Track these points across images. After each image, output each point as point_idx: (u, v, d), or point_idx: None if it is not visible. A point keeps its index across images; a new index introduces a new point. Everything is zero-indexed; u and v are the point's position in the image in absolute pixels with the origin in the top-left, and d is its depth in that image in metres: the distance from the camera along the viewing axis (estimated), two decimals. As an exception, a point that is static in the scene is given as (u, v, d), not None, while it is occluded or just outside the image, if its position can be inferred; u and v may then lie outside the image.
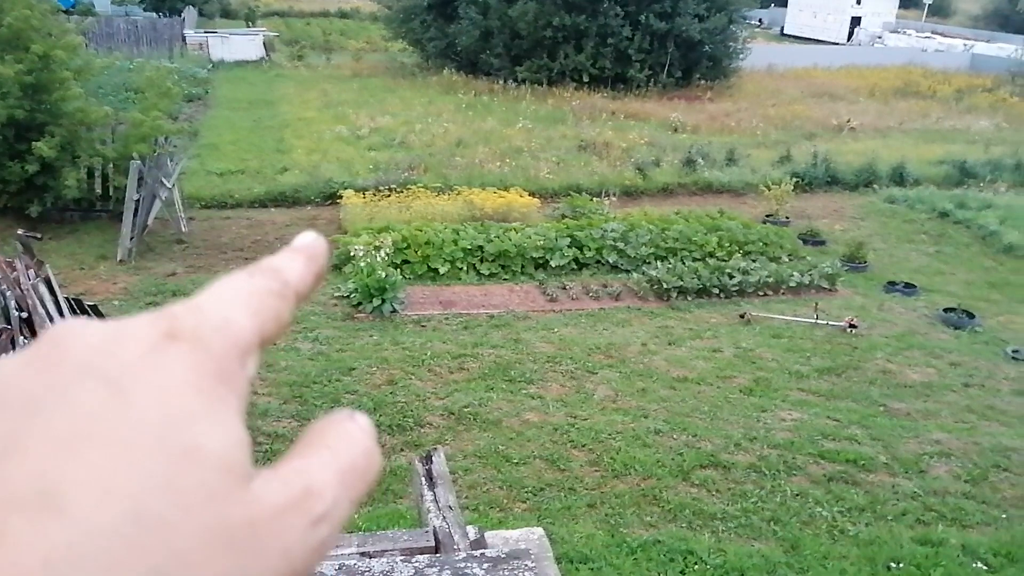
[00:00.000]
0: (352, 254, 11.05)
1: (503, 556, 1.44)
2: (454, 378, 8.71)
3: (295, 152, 18.29)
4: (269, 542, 0.30)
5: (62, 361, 0.31)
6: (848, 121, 24.12)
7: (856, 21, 56.85)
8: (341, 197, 14.28)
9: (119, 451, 0.28)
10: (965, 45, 43.24)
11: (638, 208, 15.10)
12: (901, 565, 5.94)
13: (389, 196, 13.97)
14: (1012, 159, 19.31)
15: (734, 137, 21.63)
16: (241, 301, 0.35)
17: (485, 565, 1.42)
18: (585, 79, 27.89)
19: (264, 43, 32.52)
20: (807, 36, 56.46)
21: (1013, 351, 10.16)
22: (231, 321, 0.34)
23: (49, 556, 0.25)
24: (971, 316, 11.14)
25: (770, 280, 11.75)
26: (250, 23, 40.85)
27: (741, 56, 30.75)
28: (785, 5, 62.26)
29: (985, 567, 5.98)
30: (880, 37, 51.78)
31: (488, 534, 1.54)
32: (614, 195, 15.68)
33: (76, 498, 0.27)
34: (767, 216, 15.11)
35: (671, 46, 28.35)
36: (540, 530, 1.57)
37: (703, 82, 29.24)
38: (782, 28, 61.16)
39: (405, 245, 11.72)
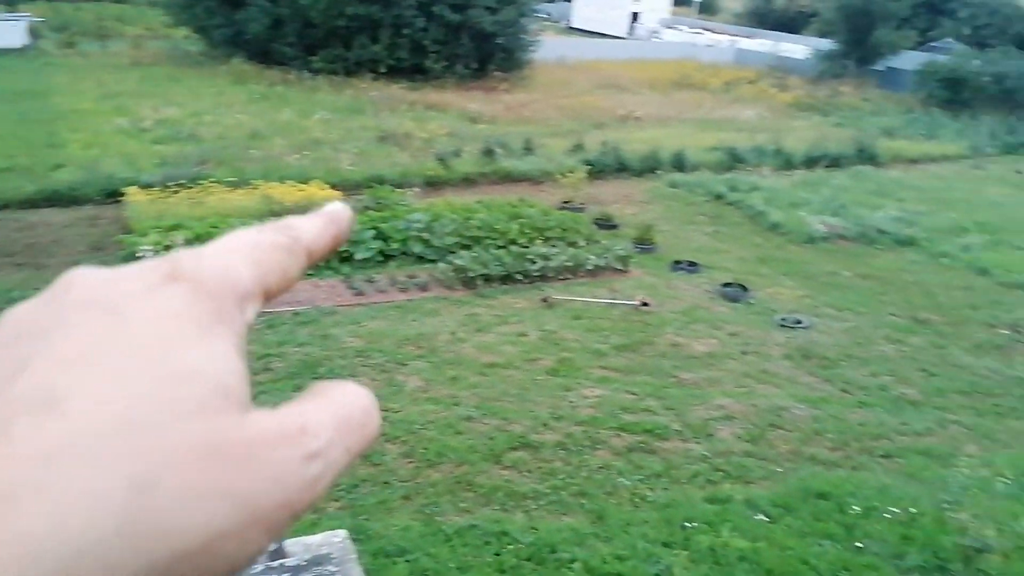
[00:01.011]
0: (140, 255, 10.31)
1: (304, 564, 1.39)
2: (259, 379, 8.36)
3: (70, 147, 16.78)
4: (261, 466, 0.31)
5: (69, 296, 0.33)
6: (633, 111, 25.48)
7: (635, 16, 60.08)
8: (125, 194, 13.27)
9: (115, 366, 0.30)
10: (730, 41, 46.90)
11: (441, 198, 15.16)
12: (695, 524, 6.38)
13: (179, 192, 13.15)
14: (773, 145, 21.18)
15: (530, 127, 22.22)
16: (244, 251, 0.37)
17: (285, 575, 1.36)
18: (383, 69, 27.61)
19: (28, 29, 29.53)
20: (592, 30, 58.93)
21: (781, 319, 11.17)
22: (231, 267, 0.35)
23: (49, 449, 0.27)
24: (745, 289, 12.12)
25: (569, 264, 12.19)
26: (11, 7, 36.92)
27: (532, 48, 31.62)
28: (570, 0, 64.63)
29: (766, 518, 6.55)
30: (657, 32, 55.08)
31: (288, 542, 1.48)
32: (417, 186, 15.66)
33: (73, 403, 0.29)
34: (564, 203, 15.66)
35: (465, 37, 28.65)
36: (343, 532, 1.53)
37: (498, 73, 29.80)
38: (569, 22, 63.48)
39: (199, 243, 11.08)
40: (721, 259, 13.79)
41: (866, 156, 21.66)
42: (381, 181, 15.61)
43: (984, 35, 44.28)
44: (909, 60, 34.76)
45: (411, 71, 27.99)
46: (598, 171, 18.09)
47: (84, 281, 0.34)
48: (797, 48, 40.79)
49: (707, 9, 72.40)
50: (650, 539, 6.17)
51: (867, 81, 33.95)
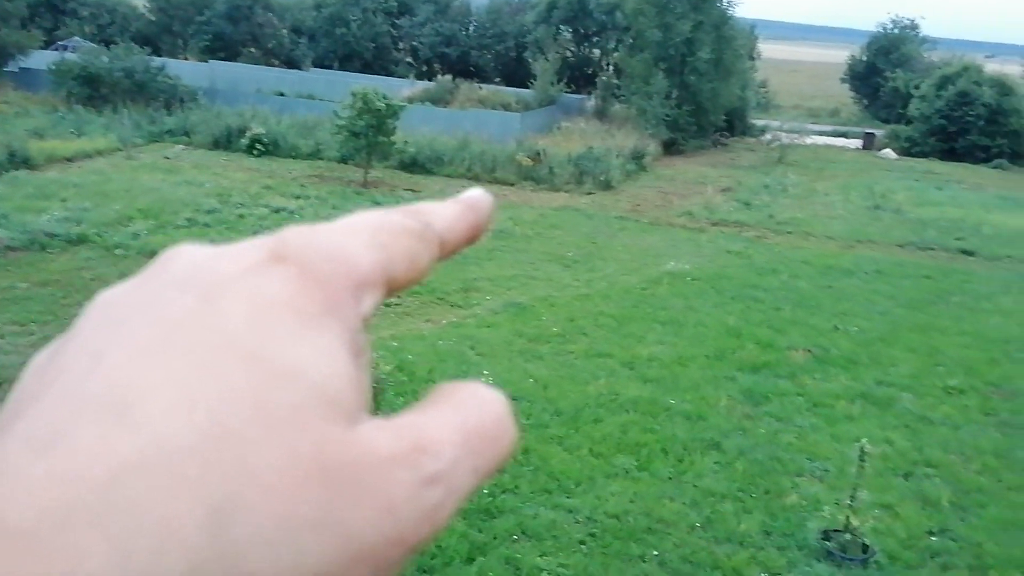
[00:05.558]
0: None
1: None
2: None
3: None
4: (369, 491, 0.24)
5: (165, 275, 0.28)
6: None
7: None
8: None
9: (199, 359, 0.24)
10: None
11: None
12: None
13: None
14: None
15: None
16: (366, 233, 0.29)
17: None
18: None
19: None
20: None
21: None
22: (347, 250, 0.28)
23: (115, 467, 0.22)
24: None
25: None
26: None
27: None
28: None
29: None
30: None
31: None
32: None
33: (148, 408, 0.23)
34: None
35: None
36: None
37: None
38: None
39: None
40: None
41: (20, 160, 20.25)
42: None
43: (109, 33, 45.28)
44: (41, 60, 33.34)
45: None
46: None
47: (183, 258, 0.28)
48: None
49: None
50: None
51: (4, 84, 31.42)
